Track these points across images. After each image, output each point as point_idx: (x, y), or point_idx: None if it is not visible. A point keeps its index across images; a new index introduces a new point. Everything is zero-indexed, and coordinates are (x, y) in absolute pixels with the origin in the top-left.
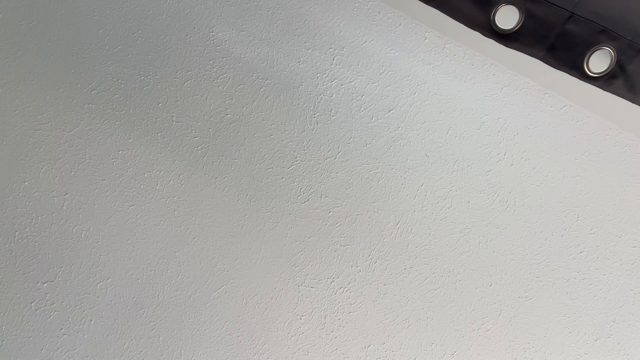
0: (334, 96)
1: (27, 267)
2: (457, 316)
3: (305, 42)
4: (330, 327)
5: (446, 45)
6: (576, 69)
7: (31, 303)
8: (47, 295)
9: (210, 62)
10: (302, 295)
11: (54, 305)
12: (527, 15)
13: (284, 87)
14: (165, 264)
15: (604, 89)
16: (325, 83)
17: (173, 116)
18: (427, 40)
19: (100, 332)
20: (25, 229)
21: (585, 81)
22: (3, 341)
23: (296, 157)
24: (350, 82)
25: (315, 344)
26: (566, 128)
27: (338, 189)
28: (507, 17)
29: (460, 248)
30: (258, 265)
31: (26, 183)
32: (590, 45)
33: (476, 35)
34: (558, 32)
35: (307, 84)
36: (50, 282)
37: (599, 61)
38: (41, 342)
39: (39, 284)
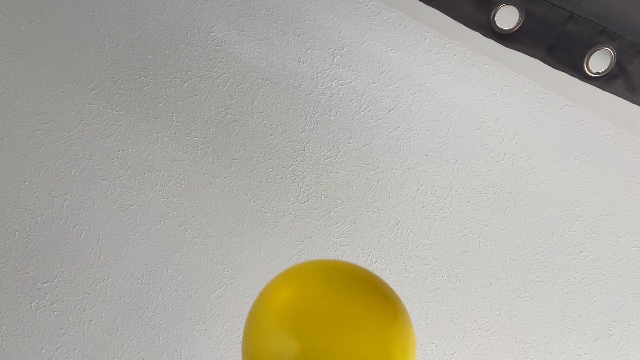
0: (334, 96)
1: (27, 267)
2: (457, 316)
3: (305, 42)
4: None
5: (446, 45)
6: (576, 69)
7: (31, 303)
8: (47, 295)
9: (210, 62)
10: None
11: (54, 305)
12: (527, 15)
13: (284, 87)
14: (165, 264)
15: (604, 89)
16: (325, 83)
17: (173, 116)
18: (427, 40)
19: (100, 332)
20: (25, 229)
21: (585, 81)
22: (3, 341)
23: (296, 157)
24: (350, 82)
25: None
26: (566, 128)
27: (338, 189)
28: (507, 17)
29: (460, 248)
30: (258, 265)
31: (26, 183)
32: (590, 45)
33: (476, 35)
34: (558, 32)
35: (307, 84)
36: (50, 282)
37: (599, 61)
38: (41, 342)
39: (39, 284)
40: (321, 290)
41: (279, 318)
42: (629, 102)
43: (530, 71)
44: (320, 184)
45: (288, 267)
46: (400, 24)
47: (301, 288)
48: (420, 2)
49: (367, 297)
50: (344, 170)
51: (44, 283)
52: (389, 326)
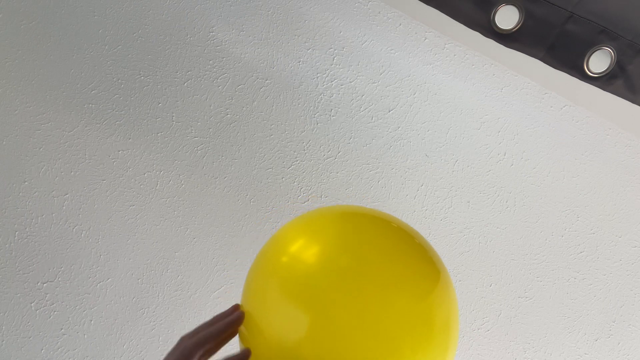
0: (334, 96)
1: (27, 267)
2: None
3: (305, 42)
4: None
5: (446, 45)
6: (576, 69)
7: (31, 303)
8: (47, 295)
9: (210, 62)
10: None
11: (54, 305)
12: (527, 15)
13: (284, 87)
14: (165, 264)
15: (604, 89)
16: (325, 83)
17: (173, 116)
18: (427, 40)
19: (100, 332)
20: (25, 229)
21: (585, 81)
22: (3, 341)
23: (296, 157)
24: (350, 82)
25: None
26: (566, 128)
27: (338, 189)
28: (507, 17)
29: (460, 248)
30: None
31: (26, 183)
32: (590, 45)
33: (476, 35)
34: (558, 32)
35: (307, 84)
36: (50, 282)
37: (599, 61)
38: (41, 342)
39: (39, 284)
40: (342, 244)
41: (284, 282)
42: (629, 102)
43: (530, 71)
44: (320, 184)
45: (301, 214)
46: (400, 24)
47: (315, 242)
48: (420, 2)
49: (403, 253)
50: (344, 170)
51: (44, 283)
52: (432, 289)
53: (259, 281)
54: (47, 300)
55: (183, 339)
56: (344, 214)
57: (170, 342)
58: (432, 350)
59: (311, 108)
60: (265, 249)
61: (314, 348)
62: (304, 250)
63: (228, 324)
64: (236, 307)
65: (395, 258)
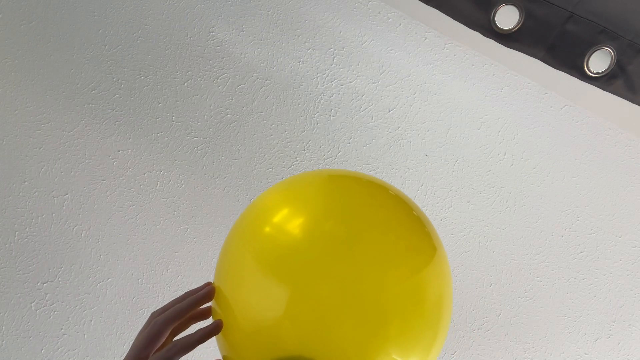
0: (334, 96)
1: (27, 267)
2: (457, 316)
3: (305, 42)
4: None
5: (446, 45)
6: (576, 69)
7: (31, 303)
8: (47, 295)
9: (210, 62)
10: None
11: (54, 305)
12: (527, 15)
13: (284, 87)
14: (165, 264)
15: (604, 89)
16: (325, 83)
17: (173, 116)
18: (427, 40)
19: (100, 332)
20: (25, 229)
21: (585, 81)
22: (3, 341)
23: (296, 157)
24: (350, 82)
25: None
26: (566, 128)
27: None
28: (507, 17)
29: (460, 248)
30: None
31: (26, 183)
32: (590, 45)
33: (476, 35)
34: (558, 32)
35: (307, 84)
36: (50, 282)
37: (599, 61)
38: (41, 342)
39: (39, 284)
40: (327, 208)
41: (261, 255)
42: (629, 102)
43: (530, 71)
44: None
45: (284, 180)
46: (400, 24)
47: (296, 207)
48: (420, 2)
49: (397, 222)
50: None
51: (44, 283)
52: (425, 264)
53: (232, 254)
54: (47, 300)
55: (153, 315)
56: (331, 177)
57: None
58: (420, 331)
59: (311, 108)
60: (241, 219)
61: (292, 327)
62: (283, 216)
63: (198, 298)
64: (208, 284)
65: (387, 227)
